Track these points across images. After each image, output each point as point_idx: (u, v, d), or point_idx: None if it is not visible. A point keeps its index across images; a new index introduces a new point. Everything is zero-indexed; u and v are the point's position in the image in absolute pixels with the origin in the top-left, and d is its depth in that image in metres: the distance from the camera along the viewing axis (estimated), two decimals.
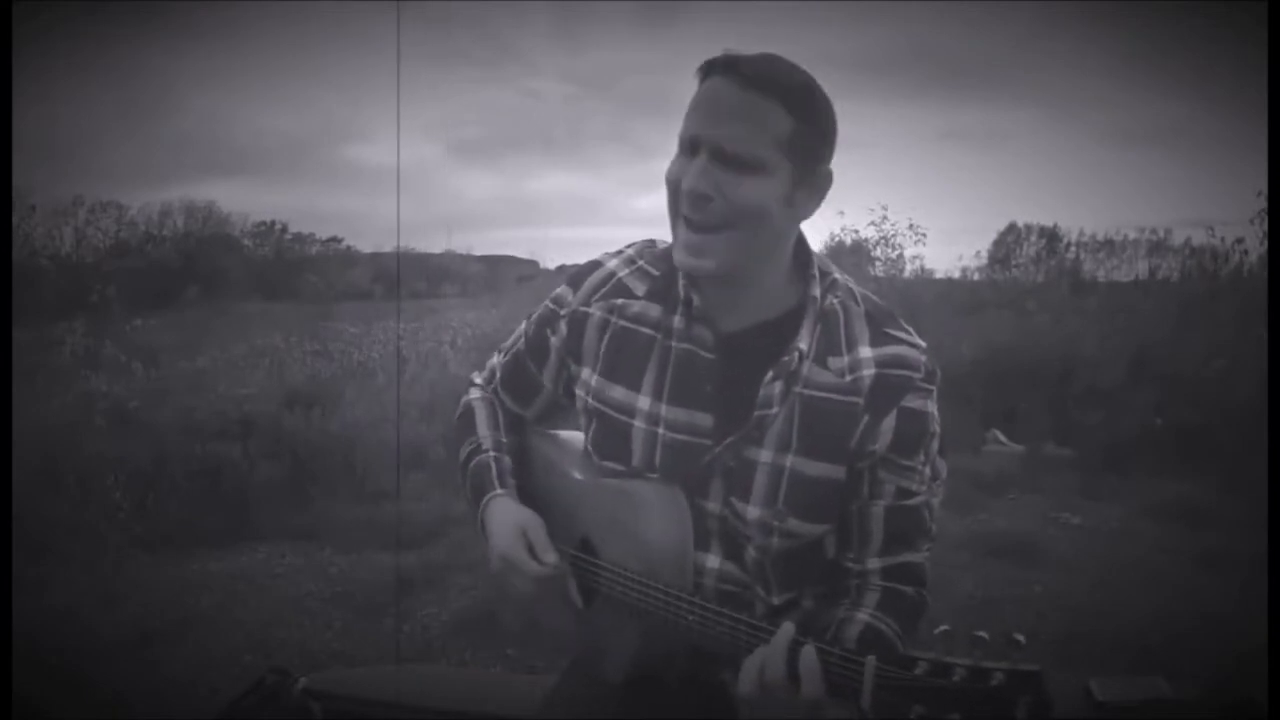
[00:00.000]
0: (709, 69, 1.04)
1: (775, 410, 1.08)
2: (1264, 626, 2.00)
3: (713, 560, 1.12)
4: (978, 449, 5.32)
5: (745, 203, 1.02)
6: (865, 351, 1.08)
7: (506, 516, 1.18)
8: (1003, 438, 5.46)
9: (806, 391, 1.08)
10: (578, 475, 1.20)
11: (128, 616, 3.28)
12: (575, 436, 1.25)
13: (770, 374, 1.07)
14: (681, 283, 1.11)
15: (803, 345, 1.07)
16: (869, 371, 1.08)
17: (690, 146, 1.03)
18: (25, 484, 3.51)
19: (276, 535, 4.21)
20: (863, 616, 1.07)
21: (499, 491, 1.21)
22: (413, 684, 1.79)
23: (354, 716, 1.67)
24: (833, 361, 1.08)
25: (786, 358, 1.07)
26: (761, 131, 1.01)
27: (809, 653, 0.93)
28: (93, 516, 3.92)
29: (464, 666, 2.96)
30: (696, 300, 1.10)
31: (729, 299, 1.10)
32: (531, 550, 1.15)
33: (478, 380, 1.36)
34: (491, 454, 1.26)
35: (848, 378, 1.08)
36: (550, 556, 1.14)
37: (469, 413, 1.32)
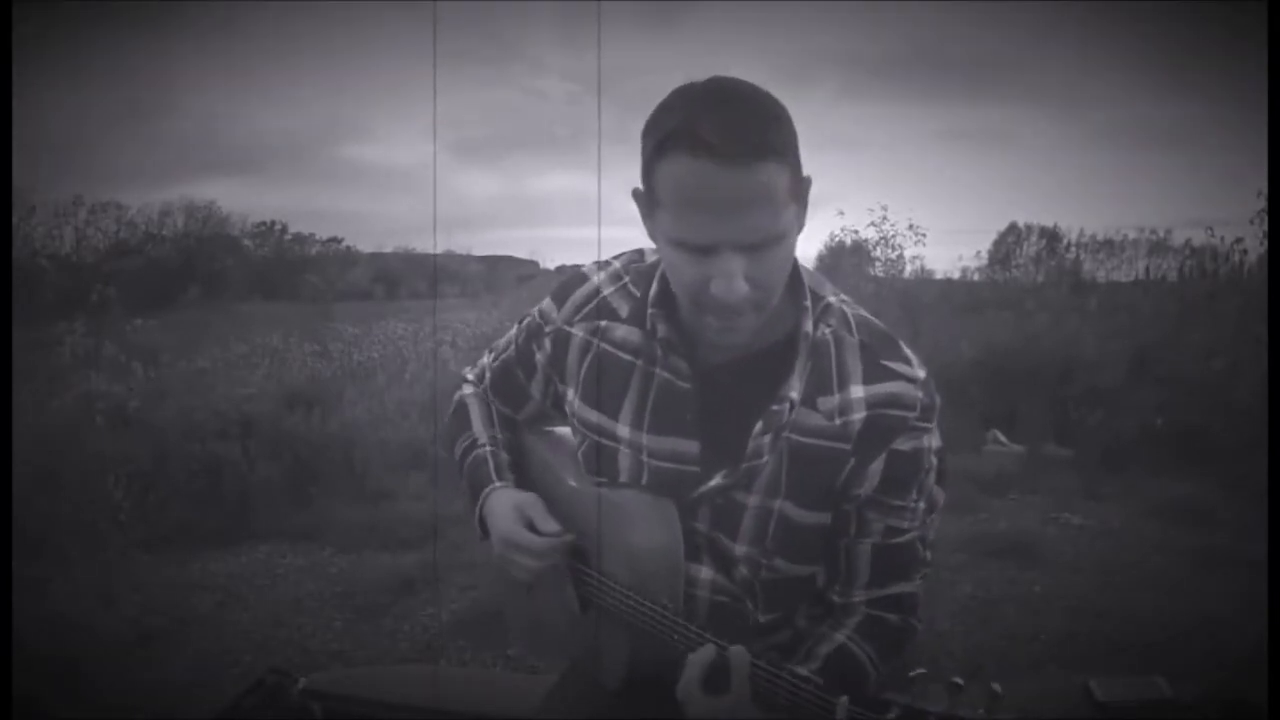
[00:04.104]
0: (669, 145, 0.90)
1: (765, 460, 1.04)
2: (1264, 627, 2.00)
3: (705, 572, 1.09)
4: (978, 449, 5.31)
5: (778, 273, 0.97)
6: (857, 391, 1.03)
7: (505, 500, 1.17)
8: (1003, 438, 5.45)
9: (795, 437, 1.03)
10: (572, 482, 1.19)
11: (127, 616, 3.27)
12: (570, 435, 1.23)
13: (760, 425, 1.03)
14: (650, 311, 1.06)
15: (794, 395, 1.02)
16: (859, 415, 1.02)
17: (703, 250, 0.92)
18: (25, 484, 3.51)
19: (276, 535, 4.21)
20: (838, 637, 1.06)
21: (498, 484, 1.19)
22: (413, 684, 1.79)
23: (354, 716, 1.67)
24: (822, 402, 1.03)
25: (777, 408, 1.03)
26: (773, 202, 0.91)
27: (740, 655, 0.95)
28: (93, 516, 3.91)
29: (464, 666, 2.96)
30: (663, 331, 1.05)
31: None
32: (532, 526, 1.13)
33: (470, 377, 1.34)
34: (488, 449, 1.24)
35: (837, 421, 1.02)
36: (550, 525, 1.12)
37: (463, 409, 1.30)
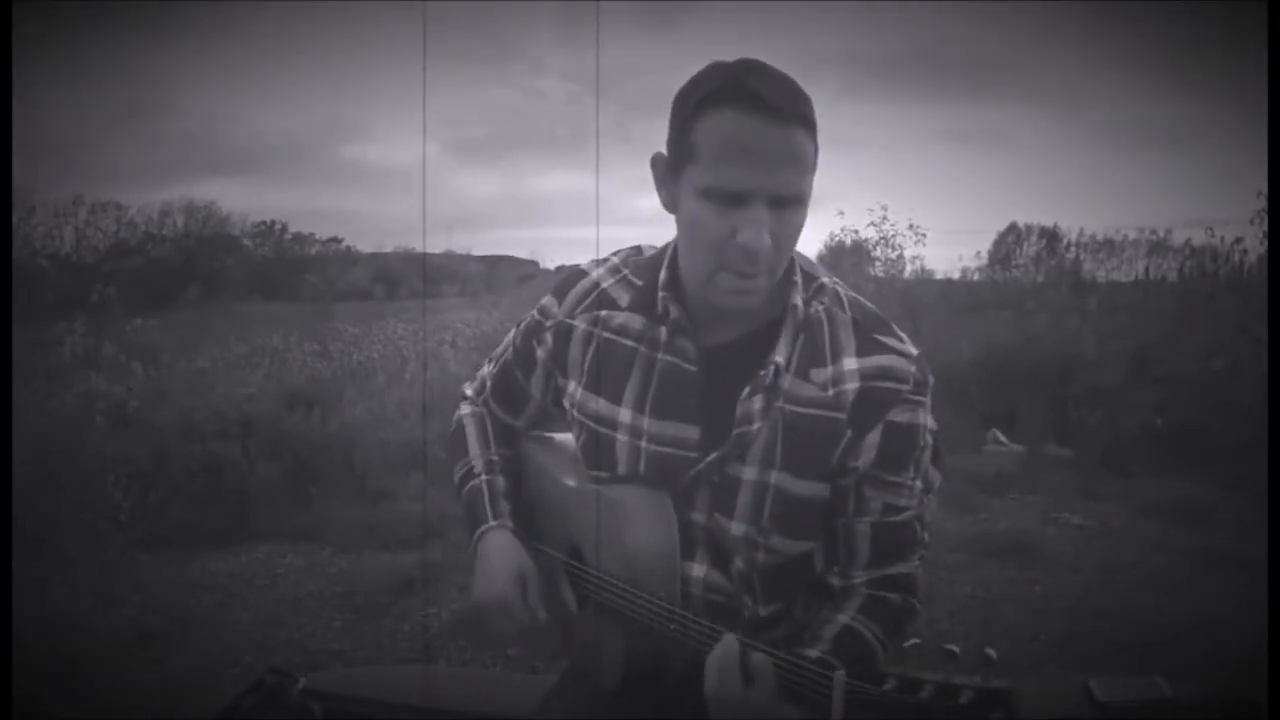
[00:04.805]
0: (715, 98, 0.96)
1: (756, 426, 1.05)
2: (1264, 627, 2.00)
3: (698, 569, 1.10)
4: (978, 449, 5.32)
5: (794, 238, 1.01)
6: (850, 363, 1.05)
7: (505, 558, 1.18)
8: (1003, 438, 5.45)
9: (789, 407, 1.05)
10: (569, 482, 1.19)
11: (128, 616, 3.28)
12: (568, 439, 1.24)
13: (747, 390, 1.05)
14: (660, 295, 1.09)
15: (779, 359, 1.05)
16: (852, 385, 1.04)
17: (735, 199, 0.96)
18: (25, 484, 3.51)
19: (276, 535, 4.21)
20: (842, 618, 1.06)
21: (493, 524, 1.20)
22: (412, 684, 1.79)
23: (354, 716, 1.67)
24: (815, 374, 1.05)
25: (763, 372, 1.04)
26: (804, 165, 0.98)
27: (760, 657, 0.94)
28: (93, 516, 3.91)
29: (464, 666, 2.96)
30: (675, 313, 1.08)
31: (713, 311, 1.06)
32: (525, 601, 1.16)
33: (469, 392, 1.35)
34: (484, 478, 1.24)
35: (830, 391, 1.04)
36: (541, 615, 1.16)
37: (460, 431, 1.31)
